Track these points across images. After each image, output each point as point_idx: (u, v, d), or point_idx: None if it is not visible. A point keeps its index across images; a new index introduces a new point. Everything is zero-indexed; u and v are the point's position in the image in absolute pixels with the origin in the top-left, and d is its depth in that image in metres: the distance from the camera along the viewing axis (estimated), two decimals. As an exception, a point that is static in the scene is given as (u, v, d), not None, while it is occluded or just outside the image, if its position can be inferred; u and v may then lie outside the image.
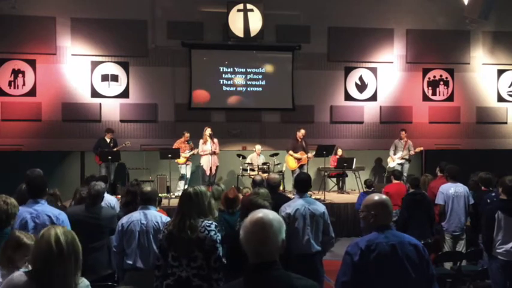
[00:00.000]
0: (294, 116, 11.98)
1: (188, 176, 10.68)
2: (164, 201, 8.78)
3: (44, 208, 4.14)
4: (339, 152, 11.61)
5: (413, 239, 2.91)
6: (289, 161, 10.73)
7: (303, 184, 4.92)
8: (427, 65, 12.53)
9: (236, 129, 11.87)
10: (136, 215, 4.15)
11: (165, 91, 11.68)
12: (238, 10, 11.55)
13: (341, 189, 11.69)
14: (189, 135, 10.54)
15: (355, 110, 12.33)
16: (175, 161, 10.29)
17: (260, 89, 12.08)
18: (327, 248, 4.83)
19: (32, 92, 11.11)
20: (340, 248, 2.99)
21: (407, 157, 11.10)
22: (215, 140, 10.32)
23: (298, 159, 10.56)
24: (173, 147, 10.42)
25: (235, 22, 11.54)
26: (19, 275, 2.38)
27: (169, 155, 9.89)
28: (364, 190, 9.10)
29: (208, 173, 10.27)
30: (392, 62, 12.42)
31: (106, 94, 11.45)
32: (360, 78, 12.36)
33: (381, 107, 12.40)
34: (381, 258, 2.76)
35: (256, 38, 11.68)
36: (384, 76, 12.40)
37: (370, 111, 12.37)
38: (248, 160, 11.14)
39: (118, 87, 11.51)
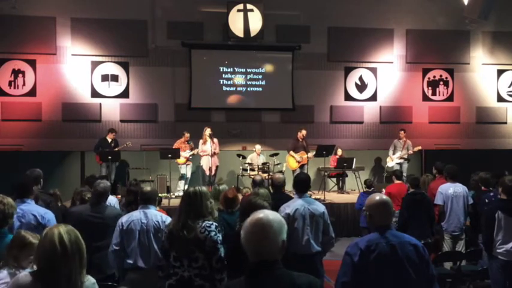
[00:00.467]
0: (294, 116, 11.99)
1: (188, 176, 10.69)
2: (164, 201, 8.78)
3: (30, 207, 4.19)
4: (339, 152, 11.62)
5: (413, 239, 2.91)
6: (290, 161, 10.74)
7: (302, 184, 4.91)
8: (427, 65, 12.54)
9: (236, 129, 11.88)
10: (137, 214, 4.15)
11: (165, 91, 11.69)
12: (238, 10, 11.56)
13: (341, 189, 11.70)
14: (189, 135, 10.55)
15: (355, 110, 12.34)
16: (175, 161, 10.30)
17: (260, 89, 12.08)
18: (327, 248, 4.82)
19: (32, 92, 11.11)
20: (340, 248, 3.00)
21: (406, 156, 11.11)
22: (215, 140, 10.33)
23: (299, 160, 10.55)
24: (173, 147, 10.43)
25: (235, 22, 11.55)
26: (24, 275, 2.39)
27: (169, 155, 9.89)
28: (364, 190, 9.11)
29: (208, 173, 10.28)
30: (392, 62, 12.43)
31: (106, 94, 11.45)
32: (360, 78, 12.36)
33: (380, 107, 12.41)
34: (380, 258, 2.77)
35: (256, 38, 11.69)
36: (384, 76, 12.40)
37: (370, 111, 12.38)
38: (248, 160, 11.14)
39: (118, 87, 11.51)
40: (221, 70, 11.94)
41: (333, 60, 12.22)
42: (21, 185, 4.28)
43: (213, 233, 3.44)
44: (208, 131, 10.25)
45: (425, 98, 12.58)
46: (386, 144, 11.65)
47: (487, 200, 5.91)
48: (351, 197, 10.34)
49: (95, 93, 11.40)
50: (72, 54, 11.28)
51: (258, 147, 11.25)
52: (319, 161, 10.80)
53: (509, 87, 12.90)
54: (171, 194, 10.54)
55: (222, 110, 11.96)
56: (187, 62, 11.72)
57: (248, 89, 12.06)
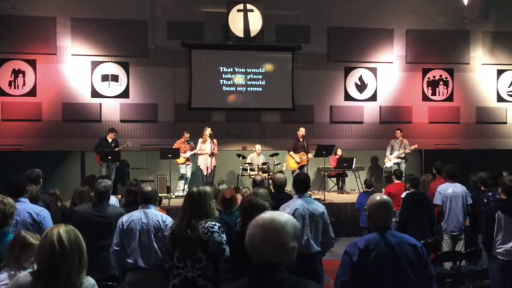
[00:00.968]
0: (294, 116, 11.99)
1: (188, 175, 10.69)
2: (164, 201, 8.78)
3: (25, 206, 4.23)
4: (339, 152, 11.63)
5: (412, 239, 2.93)
6: (289, 161, 10.74)
7: (302, 184, 4.91)
8: (427, 65, 12.54)
9: (236, 129, 11.88)
10: (137, 214, 4.16)
11: (165, 91, 11.69)
12: (238, 10, 11.56)
13: (341, 189, 11.70)
14: (188, 135, 10.56)
15: (355, 110, 12.34)
16: (175, 161, 10.31)
17: (260, 89, 12.09)
18: (326, 248, 4.82)
19: (32, 92, 11.12)
20: (340, 247, 3.01)
21: (403, 156, 11.11)
22: (214, 141, 10.33)
23: (299, 161, 10.55)
24: (173, 147, 10.43)
25: (235, 22, 11.55)
26: (24, 275, 2.39)
27: (169, 155, 9.90)
28: (364, 190, 9.12)
29: (205, 172, 10.28)
30: (392, 62, 12.43)
31: (106, 94, 11.46)
32: (360, 78, 12.37)
33: (380, 107, 12.41)
34: (379, 258, 2.78)
35: (256, 38, 11.69)
36: (384, 76, 12.41)
37: (369, 111, 12.38)
38: (248, 160, 11.16)
39: (118, 87, 11.52)
40: (221, 70, 11.94)
41: (333, 60, 12.22)
42: (14, 184, 4.34)
43: (216, 234, 3.45)
44: (208, 131, 10.26)
45: (425, 98, 12.58)
46: (386, 144, 11.62)
47: (485, 200, 5.92)
48: (351, 197, 10.34)
49: (95, 93, 11.41)
50: (72, 54, 11.29)
51: (258, 147, 11.27)
52: (319, 161, 10.80)
53: (509, 87, 12.90)
54: (171, 194, 10.55)
55: (222, 110, 11.97)
56: (187, 62, 11.73)
57: (248, 89, 12.06)
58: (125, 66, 11.53)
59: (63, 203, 6.58)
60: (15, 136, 11.04)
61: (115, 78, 11.49)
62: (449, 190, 6.37)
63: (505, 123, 12.86)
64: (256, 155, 11.20)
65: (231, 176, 12.00)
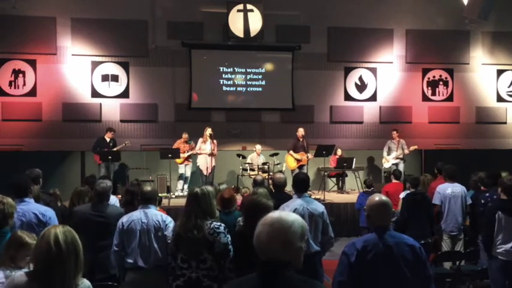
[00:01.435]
0: (294, 116, 12.00)
1: (188, 175, 10.69)
2: (164, 201, 8.79)
3: (30, 206, 4.19)
4: (339, 152, 11.63)
5: (410, 239, 2.94)
6: (289, 161, 10.75)
7: (301, 184, 4.91)
8: (427, 65, 12.55)
9: (236, 129, 11.89)
10: (137, 214, 4.16)
11: (165, 91, 11.70)
12: (238, 10, 11.57)
13: (341, 189, 11.71)
14: (187, 135, 10.56)
15: (355, 110, 12.35)
16: (174, 160, 10.31)
17: (260, 89, 12.10)
18: (326, 248, 4.82)
19: (33, 92, 11.12)
20: (340, 247, 3.02)
21: (401, 156, 11.11)
22: (214, 141, 10.33)
23: (299, 161, 10.57)
24: (173, 147, 10.44)
25: (235, 22, 11.56)
26: (20, 275, 2.39)
27: (169, 155, 9.91)
28: (364, 190, 9.12)
29: (205, 172, 10.28)
30: (392, 62, 12.44)
31: (106, 94, 11.46)
32: (360, 79, 12.37)
33: (380, 107, 12.42)
34: (376, 258, 2.80)
35: (256, 38, 11.70)
36: (384, 76, 12.42)
37: (369, 111, 12.39)
38: (248, 160, 11.16)
39: (118, 87, 11.52)
40: (221, 70, 11.95)
41: (333, 60, 12.23)
42: (18, 185, 4.27)
43: (222, 235, 3.47)
44: (209, 131, 10.26)
45: (425, 98, 12.59)
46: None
47: (483, 201, 5.92)
48: (351, 197, 10.35)
49: (95, 93, 11.41)
50: (73, 54, 11.29)
51: (258, 147, 11.27)
52: (319, 161, 10.80)
53: (508, 87, 12.91)
54: (171, 194, 10.55)
55: (222, 110, 11.97)
56: (187, 62, 11.73)
57: (248, 89, 12.07)
58: (125, 66, 11.54)
59: (63, 203, 6.58)
60: (15, 136, 11.05)
61: (115, 78, 11.49)
62: (448, 190, 6.38)
63: (505, 123, 12.87)
64: (256, 155, 11.20)
65: (231, 176, 12.00)
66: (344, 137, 12.31)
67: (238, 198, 6.25)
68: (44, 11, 11.09)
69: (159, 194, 7.42)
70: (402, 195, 6.97)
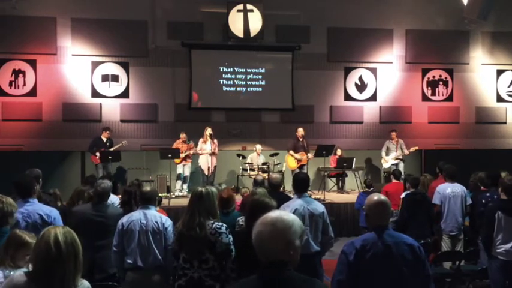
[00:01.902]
0: (294, 116, 12.00)
1: (187, 174, 10.69)
2: (164, 201, 8.79)
3: (35, 207, 4.15)
4: (338, 152, 11.63)
5: (409, 238, 2.94)
6: (289, 161, 10.75)
7: (301, 184, 4.92)
8: (427, 65, 12.56)
9: (236, 129, 11.89)
10: (136, 215, 4.17)
11: (165, 91, 11.71)
12: (238, 10, 11.57)
13: (341, 189, 11.71)
14: (185, 135, 10.57)
15: (355, 110, 12.35)
16: (173, 160, 10.31)
17: (260, 89, 12.10)
18: (326, 248, 4.82)
19: (33, 92, 11.13)
20: (340, 247, 3.02)
21: (401, 157, 11.11)
22: (215, 141, 10.34)
23: (299, 161, 10.57)
24: (171, 148, 10.45)
25: (235, 22, 11.56)
26: (19, 275, 2.39)
27: (169, 155, 9.92)
28: (364, 190, 9.12)
29: (206, 172, 10.29)
30: (391, 62, 12.44)
31: (106, 94, 11.47)
32: (360, 79, 12.38)
33: (380, 107, 12.42)
34: (375, 258, 2.80)
35: (256, 38, 11.71)
36: (384, 76, 12.42)
37: (369, 111, 12.40)
38: (248, 160, 11.16)
39: (118, 87, 11.53)
40: (221, 70, 11.95)
41: (333, 61, 12.23)
42: (23, 185, 4.22)
43: (224, 235, 3.48)
44: (209, 131, 10.27)
45: (425, 98, 12.59)
46: (386, 144, 11.65)
47: (483, 201, 5.92)
48: (351, 197, 10.34)
49: (95, 93, 11.42)
50: (73, 55, 11.30)
51: (258, 147, 11.27)
52: (319, 161, 10.81)
53: (508, 87, 12.92)
54: (171, 194, 10.56)
55: (222, 110, 11.98)
56: (187, 62, 11.74)
57: (248, 89, 12.07)
58: (125, 66, 11.54)
59: (64, 203, 6.58)
60: (15, 136, 11.05)
61: (115, 78, 11.50)
62: (448, 190, 6.38)
63: (505, 123, 12.87)
64: (256, 155, 11.20)
65: (231, 176, 12.00)
66: (344, 137, 12.31)
67: (238, 198, 6.27)
68: (44, 11, 11.10)
69: (159, 194, 7.42)
70: (403, 195, 6.97)
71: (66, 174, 11.27)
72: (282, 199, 5.01)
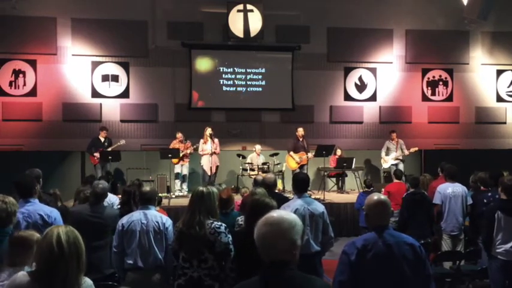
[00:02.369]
0: (294, 116, 12.00)
1: (185, 173, 10.69)
2: (164, 201, 8.80)
3: (35, 207, 4.15)
4: (338, 152, 11.64)
5: (410, 238, 2.94)
6: (289, 161, 10.76)
7: (301, 184, 4.93)
8: (427, 65, 12.55)
9: (236, 129, 11.89)
10: (137, 215, 4.17)
11: (165, 91, 11.71)
12: (238, 10, 11.57)
13: (341, 189, 11.72)
14: (181, 135, 10.58)
15: (355, 110, 12.36)
16: (171, 160, 10.30)
17: (260, 89, 12.10)
18: (326, 248, 4.83)
19: (33, 92, 11.13)
20: (340, 247, 3.02)
21: (401, 157, 11.12)
22: (215, 140, 10.34)
23: (300, 159, 10.57)
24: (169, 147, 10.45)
25: (235, 22, 11.57)
26: (22, 275, 2.40)
27: (170, 155, 9.92)
28: (364, 190, 9.13)
29: (209, 173, 10.29)
30: (391, 62, 12.45)
31: (106, 94, 11.47)
32: (360, 79, 12.38)
33: (380, 107, 12.43)
34: (377, 257, 2.80)
35: (256, 38, 11.71)
36: (384, 76, 12.42)
37: (369, 111, 12.40)
38: (248, 160, 11.17)
39: (118, 88, 11.53)
40: (221, 70, 11.96)
41: (333, 61, 12.23)
42: (24, 185, 4.22)
43: (223, 235, 3.48)
44: (209, 131, 10.27)
45: (425, 98, 12.59)
46: (386, 144, 11.65)
47: (485, 200, 5.93)
48: (351, 197, 10.35)
49: (95, 93, 11.42)
50: (73, 55, 11.30)
51: (258, 147, 11.28)
52: (319, 160, 10.82)
53: (508, 87, 12.92)
54: (171, 194, 10.56)
55: (222, 110, 11.98)
56: (187, 62, 11.74)
57: (248, 89, 12.07)
58: (125, 66, 11.55)
59: (64, 203, 6.59)
60: (15, 136, 11.05)
61: (115, 78, 11.50)
62: (448, 190, 6.38)
63: (505, 123, 12.87)
64: (256, 155, 11.21)
65: (231, 176, 12.01)
66: (344, 137, 12.32)
67: (238, 198, 6.28)
68: (44, 11, 11.09)
69: (159, 194, 7.43)
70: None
71: (66, 174, 11.28)
72: (281, 199, 5.02)
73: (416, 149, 11.24)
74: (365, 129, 12.42)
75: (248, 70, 12.06)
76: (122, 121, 11.52)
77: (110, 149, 10.29)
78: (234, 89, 12.03)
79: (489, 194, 6.06)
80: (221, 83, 11.96)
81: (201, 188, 3.64)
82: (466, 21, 11.38)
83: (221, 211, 4.64)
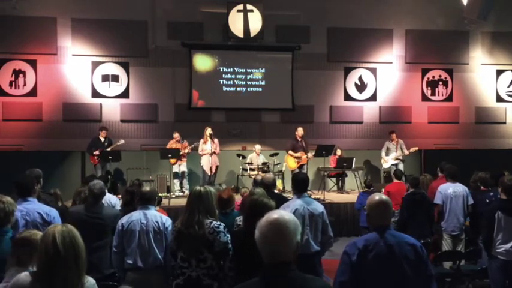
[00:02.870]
0: (294, 116, 12.01)
1: (183, 170, 10.69)
2: (164, 201, 8.80)
3: (34, 206, 4.18)
4: (338, 152, 11.64)
5: (411, 238, 2.93)
6: (289, 161, 10.76)
7: (301, 184, 4.93)
8: (426, 65, 12.56)
9: (236, 129, 11.90)
10: (137, 215, 4.17)
11: (165, 91, 11.71)
12: (238, 10, 11.58)
13: (340, 189, 11.72)
14: (178, 135, 10.59)
15: (355, 110, 12.36)
16: (169, 160, 10.30)
17: (260, 89, 12.10)
18: (325, 247, 4.84)
19: (33, 92, 11.13)
20: (340, 247, 3.02)
21: (401, 158, 11.12)
22: (215, 140, 10.35)
23: (298, 159, 10.58)
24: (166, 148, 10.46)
25: (235, 22, 11.57)
26: (24, 275, 2.40)
27: (170, 155, 9.92)
28: (364, 190, 9.13)
29: (209, 173, 10.30)
30: (391, 62, 12.45)
31: (106, 94, 11.47)
32: (360, 79, 12.38)
33: (380, 107, 12.43)
34: (378, 258, 2.79)
35: (256, 38, 11.71)
36: (383, 76, 12.43)
37: (369, 111, 12.40)
38: (248, 160, 11.18)
39: (118, 88, 11.53)
40: (221, 70, 11.96)
41: (333, 61, 12.23)
42: (23, 184, 4.25)
43: (222, 234, 3.48)
44: (209, 131, 10.28)
45: (425, 98, 12.60)
46: (386, 144, 11.65)
47: (487, 200, 5.92)
48: (351, 197, 10.36)
49: (95, 93, 11.42)
50: (73, 55, 11.30)
51: (257, 147, 11.28)
52: (319, 160, 10.82)
53: (508, 87, 12.92)
54: (171, 194, 10.56)
55: (222, 110, 11.98)
56: (187, 62, 11.74)
57: (248, 89, 12.08)
58: (125, 66, 11.55)
59: (64, 203, 6.59)
60: (15, 136, 11.05)
61: (115, 78, 11.50)
62: (449, 190, 6.38)
63: (504, 123, 12.88)
64: (256, 155, 11.21)
65: (231, 176, 12.01)
66: (344, 137, 12.32)
67: (238, 198, 6.27)
68: (44, 11, 11.10)
69: (159, 194, 7.43)
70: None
71: (66, 174, 11.28)
72: (280, 199, 5.02)
73: (416, 149, 11.24)
74: (365, 129, 12.42)
75: (248, 70, 12.06)
76: (122, 121, 11.52)
77: (109, 149, 10.29)
78: (234, 89, 12.04)
79: (491, 193, 6.06)
80: (221, 83, 11.96)
81: (198, 188, 3.64)
82: (466, 21, 11.39)
83: (221, 211, 4.64)
